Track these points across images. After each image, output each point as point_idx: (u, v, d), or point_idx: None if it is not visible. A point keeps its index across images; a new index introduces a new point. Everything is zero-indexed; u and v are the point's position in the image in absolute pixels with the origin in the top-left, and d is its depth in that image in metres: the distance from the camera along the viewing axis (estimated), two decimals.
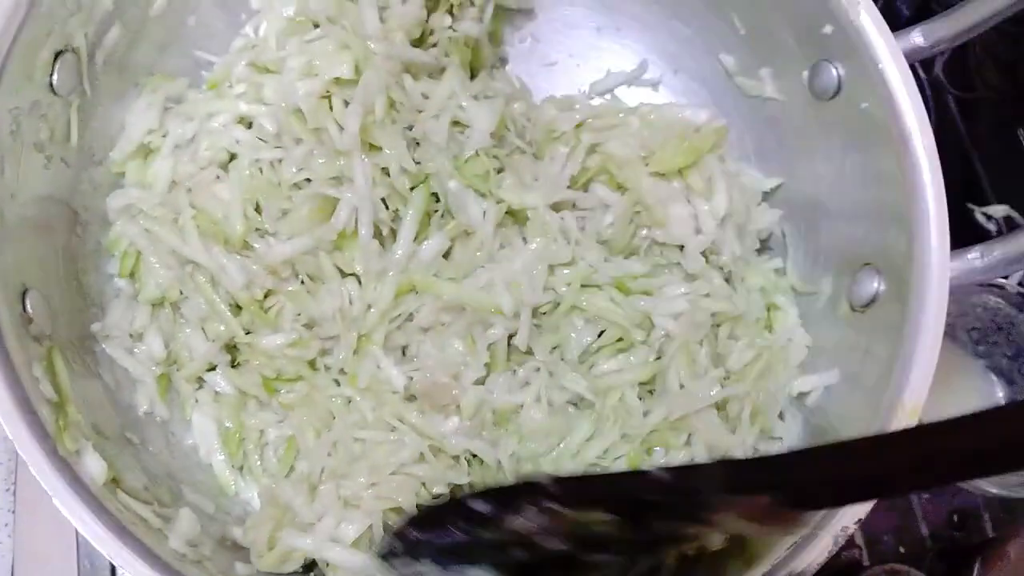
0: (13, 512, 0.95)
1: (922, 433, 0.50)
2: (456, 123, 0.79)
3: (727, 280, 0.81)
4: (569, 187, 0.81)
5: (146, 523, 0.60)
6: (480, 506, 0.57)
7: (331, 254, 0.76)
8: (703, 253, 0.80)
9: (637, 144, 0.81)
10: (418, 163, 0.77)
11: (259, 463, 0.76)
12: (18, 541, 0.93)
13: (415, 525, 0.62)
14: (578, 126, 0.83)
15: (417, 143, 0.78)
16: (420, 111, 0.78)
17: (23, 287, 0.63)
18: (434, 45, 0.82)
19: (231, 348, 0.78)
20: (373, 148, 0.75)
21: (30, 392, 0.58)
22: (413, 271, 0.76)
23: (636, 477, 0.54)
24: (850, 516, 0.61)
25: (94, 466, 0.59)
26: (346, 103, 0.74)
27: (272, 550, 0.68)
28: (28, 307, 0.63)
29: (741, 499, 0.50)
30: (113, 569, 0.89)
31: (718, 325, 0.80)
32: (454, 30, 0.82)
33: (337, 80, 0.74)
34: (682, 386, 0.76)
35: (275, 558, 0.68)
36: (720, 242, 0.80)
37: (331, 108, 0.74)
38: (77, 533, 0.90)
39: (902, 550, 0.93)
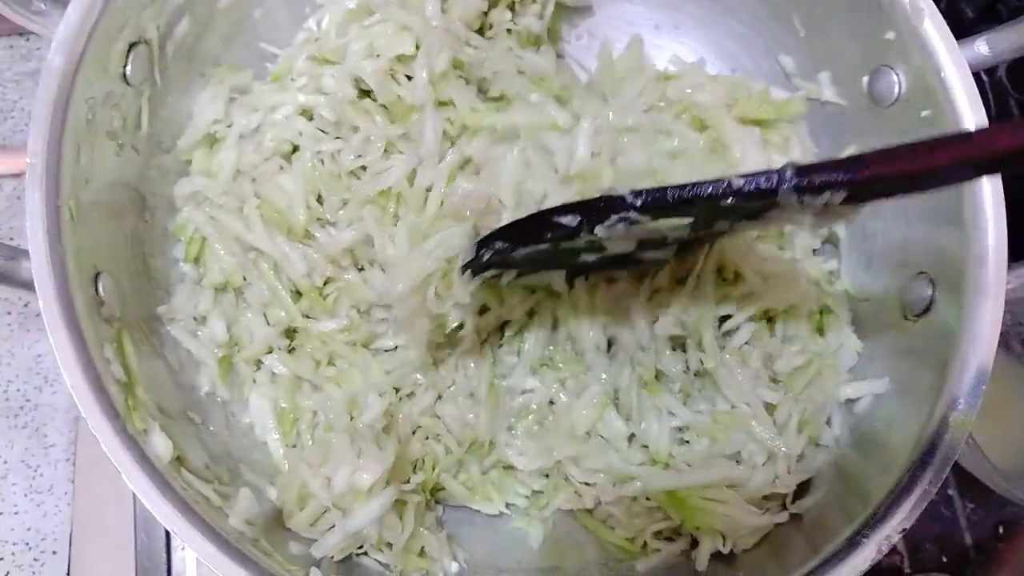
0: (73, 482, 0.99)
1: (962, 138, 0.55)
2: (519, 72, 0.82)
3: None
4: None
5: (208, 501, 0.63)
6: (567, 219, 0.63)
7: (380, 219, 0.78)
8: None
9: (724, 94, 0.83)
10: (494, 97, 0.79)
11: (311, 443, 0.77)
12: (77, 511, 0.97)
13: (501, 236, 0.67)
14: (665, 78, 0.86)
15: (483, 92, 0.81)
16: (483, 64, 0.81)
17: (95, 270, 0.66)
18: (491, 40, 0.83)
19: (289, 332, 0.80)
20: (442, 104, 0.78)
21: (102, 373, 0.61)
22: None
23: (714, 184, 0.57)
24: (893, 525, 0.61)
25: (160, 445, 0.62)
26: (409, 78, 0.77)
27: (303, 510, 0.70)
28: (100, 289, 0.65)
29: (807, 197, 0.54)
30: (168, 541, 0.92)
31: (770, 319, 0.80)
32: (515, 24, 0.83)
33: (400, 57, 0.76)
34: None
35: (306, 517, 0.69)
36: None
37: (397, 84, 0.77)
38: (135, 505, 0.94)
39: (944, 559, 0.92)
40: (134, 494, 0.91)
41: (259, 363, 0.79)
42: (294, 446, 0.78)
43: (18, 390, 1.03)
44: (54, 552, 0.98)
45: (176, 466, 0.63)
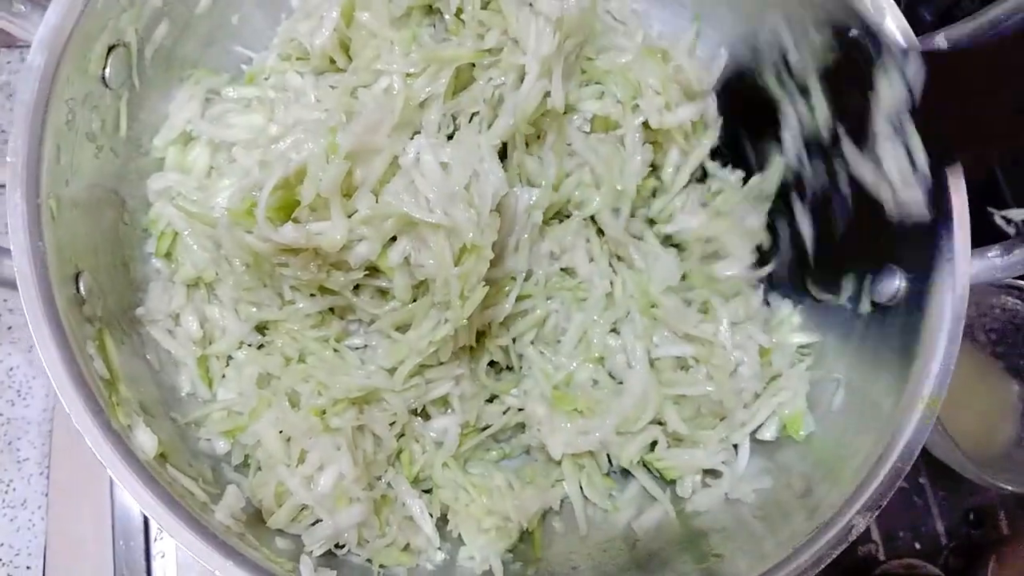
0: (46, 495, 0.98)
1: None
2: None
3: None
4: None
5: (193, 496, 0.63)
6: None
7: None
8: None
9: None
10: None
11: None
12: (51, 524, 0.96)
13: None
14: None
15: None
16: None
17: (76, 269, 0.66)
18: None
19: (260, 328, 0.80)
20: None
21: (85, 369, 0.61)
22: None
23: None
24: (867, 503, 0.63)
25: (145, 440, 0.62)
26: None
27: (281, 507, 0.69)
28: (81, 288, 0.65)
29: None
30: (148, 549, 0.91)
31: None
32: None
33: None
34: None
35: (286, 514, 0.69)
36: None
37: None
38: (112, 514, 0.93)
39: (918, 546, 0.94)
40: (112, 503, 0.92)
41: (229, 358, 0.79)
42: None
43: None
44: (28, 567, 0.97)
45: (161, 461, 0.63)
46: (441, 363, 0.76)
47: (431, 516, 0.76)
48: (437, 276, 0.68)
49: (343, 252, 0.68)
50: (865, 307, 0.76)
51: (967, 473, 0.88)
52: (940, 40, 0.72)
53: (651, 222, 0.87)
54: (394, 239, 0.70)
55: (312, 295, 0.75)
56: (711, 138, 0.86)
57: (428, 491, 0.79)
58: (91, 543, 0.93)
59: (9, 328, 1.07)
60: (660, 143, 0.84)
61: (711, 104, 0.86)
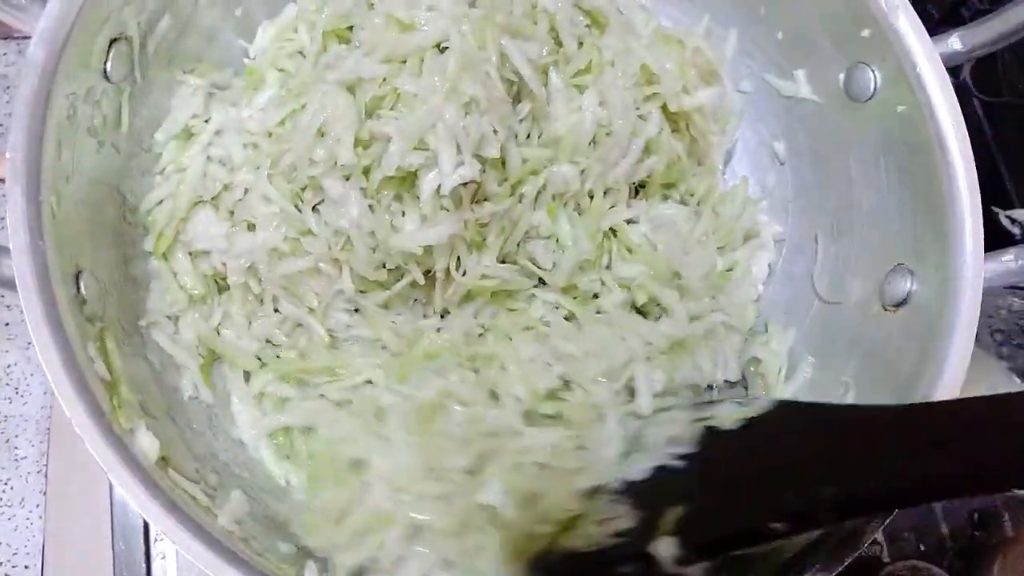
0: (44, 494, 0.97)
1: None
2: None
3: None
4: None
5: (196, 501, 0.62)
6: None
7: None
8: None
9: None
10: None
11: (304, 446, 0.76)
12: (49, 523, 0.95)
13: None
14: None
15: None
16: None
17: (77, 268, 0.64)
18: None
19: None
20: None
21: (86, 371, 0.59)
22: None
23: None
24: None
25: (147, 443, 0.61)
26: None
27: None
28: (82, 288, 0.64)
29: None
30: (147, 550, 0.90)
31: None
32: None
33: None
34: None
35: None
36: None
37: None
38: (112, 514, 0.92)
39: (922, 548, 0.94)
40: (111, 503, 0.91)
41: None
42: (288, 457, 0.76)
43: None
44: (25, 567, 0.96)
45: (163, 465, 0.62)
46: None
47: None
48: None
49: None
50: (875, 310, 0.75)
51: None
52: (954, 41, 0.71)
53: None
54: None
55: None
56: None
57: None
58: (90, 543, 0.93)
59: (7, 324, 1.06)
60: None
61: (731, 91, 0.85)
